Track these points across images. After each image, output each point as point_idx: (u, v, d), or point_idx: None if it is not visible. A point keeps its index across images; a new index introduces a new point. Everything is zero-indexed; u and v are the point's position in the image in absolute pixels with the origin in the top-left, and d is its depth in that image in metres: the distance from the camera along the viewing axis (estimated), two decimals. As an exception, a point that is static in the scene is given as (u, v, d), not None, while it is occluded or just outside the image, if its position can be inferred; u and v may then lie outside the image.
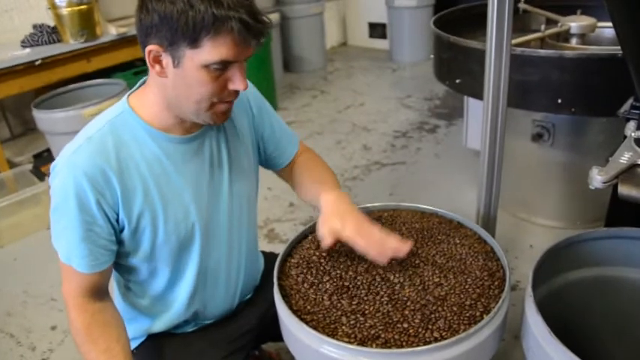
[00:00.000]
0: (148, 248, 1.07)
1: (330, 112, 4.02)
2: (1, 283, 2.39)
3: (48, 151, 3.03)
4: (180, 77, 0.95)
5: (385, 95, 4.26)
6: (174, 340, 1.20)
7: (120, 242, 1.06)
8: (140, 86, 1.08)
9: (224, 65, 0.93)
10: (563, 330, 1.19)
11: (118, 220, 1.02)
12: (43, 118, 2.52)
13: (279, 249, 1.48)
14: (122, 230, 1.04)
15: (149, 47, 0.94)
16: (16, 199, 2.62)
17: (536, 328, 0.94)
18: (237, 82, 0.96)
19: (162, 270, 1.12)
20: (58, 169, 0.99)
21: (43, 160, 3.10)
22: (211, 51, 0.90)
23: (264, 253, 1.44)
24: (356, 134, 3.58)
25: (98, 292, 1.06)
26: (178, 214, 1.07)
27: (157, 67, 0.96)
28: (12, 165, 3.01)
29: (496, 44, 1.25)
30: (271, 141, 1.26)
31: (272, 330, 1.17)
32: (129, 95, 1.07)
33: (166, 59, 0.94)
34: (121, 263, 1.10)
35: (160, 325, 1.18)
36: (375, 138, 3.49)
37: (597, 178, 0.95)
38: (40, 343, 2.02)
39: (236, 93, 1.00)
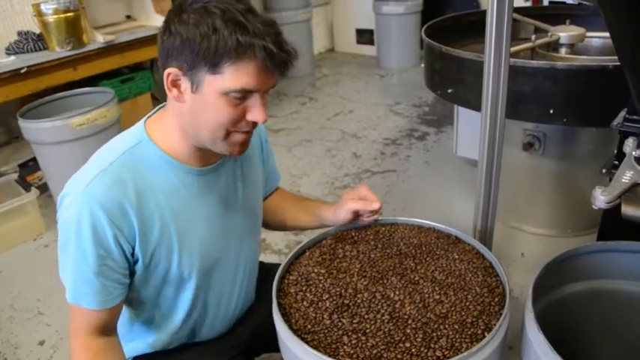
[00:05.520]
0: (159, 281, 1.05)
1: (319, 120, 4.01)
2: (-14, 297, 2.34)
3: (33, 160, 2.98)
4: (197, 103, 0.91)
5: (374, 102, 4.27)
6: (165, 357, 1.18)
7: (132, 274, 1.02)
8: (158, 110, 1.05)
9: (244, 94, 0.90)
10: (560, 342, 1.20)
11: (132, 254, 0.99)
12: (29, 127, 2.47)
13: (270, 259, 1.47)
14: (136, 262, 1.00)
15: (168, 70, 0.91)
16: (1, 210, 2.57)
17: (538, 346, 0.93)
18: (256, 113, 0.92)
19: (164, 299, 1.09)
20: (69, 200, 0.93)
21: (29, 169, 3.04)
22: (232, 78, 0.87)
23: None
24: (345, 142, 3.58)
25: (105, 331, 1.01)
26: (193, 248, 1.05)
27: (175, 90, 0.93)
28: (-4, 175, 2.96)
29: (495, 55, 1.25)
30: (265, 169, 1.30)
31: (264, 342, 1.16)
32: (146, 120, 1.04)
33: (185, 84, 0.91)
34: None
35: (155, 345, 1.16)
36: (365, 145, 3.49)
37: (601, 198, 0.95)
38: (28, 359, 1.97)
39: (254, 124, 0.96)
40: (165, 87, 0.93)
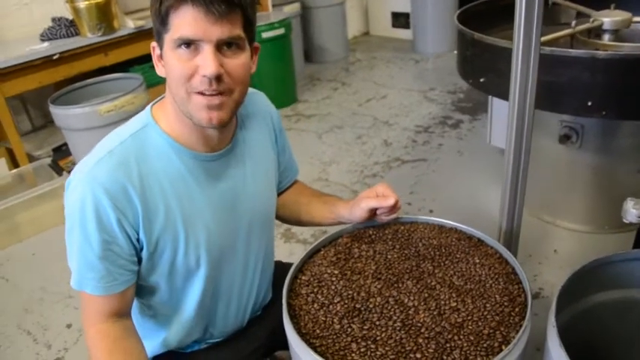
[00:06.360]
0: (165, 270, 1.03)
1: (351, 105, 3.95)
2: (19, 278, 2.41)
3: (66, 144, 3.04)
4: (166, 67, 0.93)
5: (408, 88, 4.17)
6: (182, 359, 1.17)
7: (140, 261, 1.00)
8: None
9: (190, 45, 0.87)
10: (589, 351, 1.13)
11: (138, 240, 0.97)
12: (59, 114, 2.51)
13: (296, 249, 1.44)
14: (141, 249, 0.99)
15: (151, 45, 0.95)
16: (35, 193, 2.64)
17: (560, 363, 0.87)
18: (204, 65, 0.87)
19: (173, 289, 1.07)
20: (74, 184, 0.92)
21: (62, 153, 3.11)
22: (175, 28, 0.87)
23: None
24: (377, 129, 3.51)
25: (119, 316, 1.00)
26: (200, 235, 1.02)
27: (159, 65, 0.95)
28: (31, 159, 3.03)
29: (524, 42, 1.16)
30: (282, 162, 1.26)
31: (281, 342, 1.14)
32: (153, 105, 1.03)
33: (158, 52, 0.94)
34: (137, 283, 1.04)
35: (168, 342, 1.14)
36: (397, 133, 3.41)
37: (632, 212, 0.88)
38: (56, 341, 2.03)
39: (210, 83, 0.88)
40: (154, 65, 0.96)
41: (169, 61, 0.90)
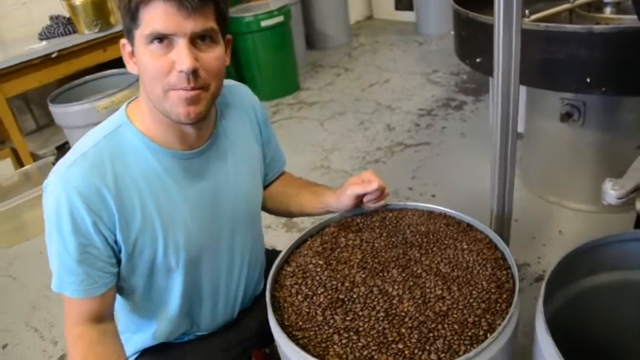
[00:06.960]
0: (146, 270, 1.02)
1: (354, 91, 3.90)
2: (26, 276, 2.44)
3: (69, 142, 3.06)
4: (138, 65, 0.91)
5: (411, 71, 4.11)
6: (170, 351, 1.16)
7: (119, 262, 0.99)
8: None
9: (162, 40, 0.86)
10: (582, 338, 1.10)
11: (115, 242, 0.96)
12: (58, 112, 2.52)
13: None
14: (120, 251, 0.98)
15: (121, 42, 0.93)
16: (40, 192, 2.65)
17: (547, 352, 0.85)
18: (179, 60, 0.85)
19: (155, 288, 1.06)
20: (50, 188, 0.92)
21: (65, 151, 3.09)
22: (146, 24, 0.85)
23: (266, 250, 1.38)
24: (380, 114, 3.47)
25: (99, 319, 0.98)
26: (179, 235, 1.01)
27: (131, 62, 0.93)
28: (36, 157, 3.05)
29: (505, 16, 1.13)
30: (268, 154, 1.24)
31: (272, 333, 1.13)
32: (128, 104, 1.01)
33: (129, 49, 0.92)
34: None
35: (158, 336, 1.14)
36: (399, 117, 3.37)
37: (611, 193, 0.84)
38: (62, 338, 2.04)
39: (188, 79, 0.87)
40: (125, 63, 0.94)
41: (142, 58, 0.88)
